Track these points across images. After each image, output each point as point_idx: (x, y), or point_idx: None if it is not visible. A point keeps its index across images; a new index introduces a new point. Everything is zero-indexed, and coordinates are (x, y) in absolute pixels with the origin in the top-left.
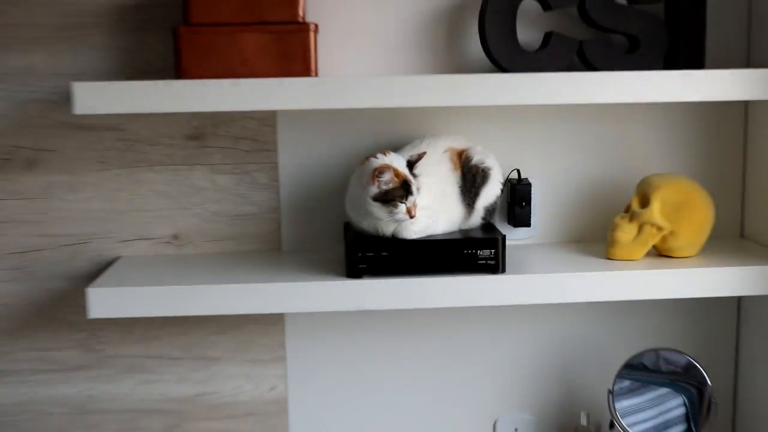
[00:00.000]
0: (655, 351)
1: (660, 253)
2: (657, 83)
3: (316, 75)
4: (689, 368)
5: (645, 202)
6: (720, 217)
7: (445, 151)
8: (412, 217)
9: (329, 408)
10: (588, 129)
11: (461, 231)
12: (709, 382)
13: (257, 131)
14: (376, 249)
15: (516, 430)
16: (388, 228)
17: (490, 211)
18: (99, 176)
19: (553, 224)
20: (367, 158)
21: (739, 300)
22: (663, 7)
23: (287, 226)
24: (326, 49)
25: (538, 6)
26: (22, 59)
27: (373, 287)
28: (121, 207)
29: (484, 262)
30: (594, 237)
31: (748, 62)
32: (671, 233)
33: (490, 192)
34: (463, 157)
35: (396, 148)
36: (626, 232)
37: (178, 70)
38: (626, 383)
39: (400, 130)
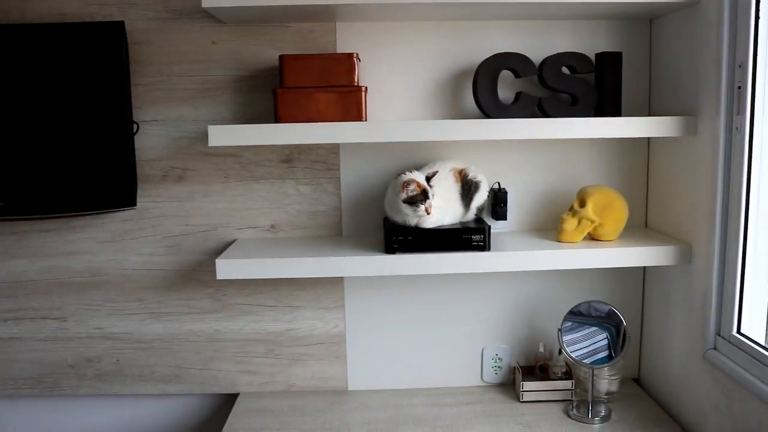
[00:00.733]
0: (588, 302)
1: (592, 237)
2: (590, 125)
3: (366, 120)
4: (611, 314)
5: (582, 204)
6: (632, 213)
7: (450, 170)
8: (428, 213)
9: (372, 339)
10: (545, 155)
11: (461, 223)
12: (624, 322)
13: (327, 157)
14: (405, 234)
15: (496, 354)
16: (412, 220)
17: (480, 209)
18: (223, 186)
19: (521, 218)
20: (398, 174)
21: (644, 269)
22: (594, 76)
23: (346, 219)
24: (373, 103)
25: (511, 74)
26: (176, 111)
27: (402, 259)
28: (237, 206)
29: (476, 243)
30: (549, 227)
31: (649, 111)
32: (600, 224)
33: (480, 197)
34: (462, 173)
35: (418, 167)
36: (570, 223)
37: (276, 117)
38: (569, 324)
39: (421, 155)
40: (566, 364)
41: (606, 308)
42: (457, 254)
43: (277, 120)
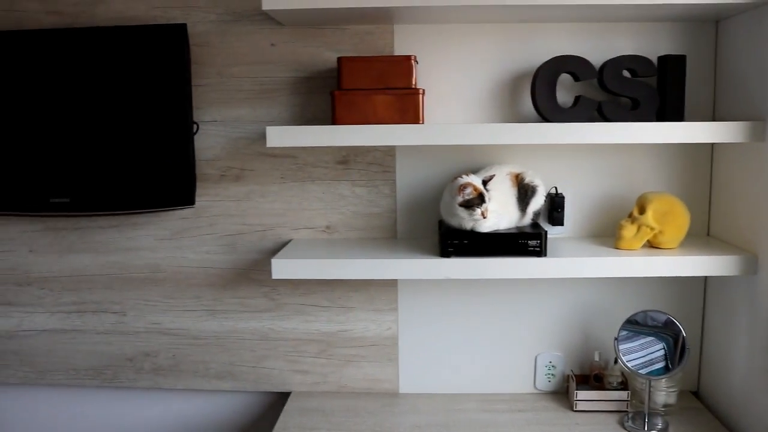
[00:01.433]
0: (645, 312)
1: (652, 245)
2: (651, 130)
3: (423, 122)
4: (668, 324)
5: (642, 210)
6: (693, 221)
7: (507, 174)
8: (484, 217)
9: (424, 342)
10: (604, 160)
11: (517, 228)
12: (684, 333)
13: (383, 159)
14: (460, 238)
15: (550, 362)
16: (468, 224)
17: (537, 214)
18: (280, 187)
19: (579, 224)
20: (455, 178)
21: (705, 278)
22: (656, 79)
23: (401, 221)
24: (430, 106)
25: (570, 78)
26: (234, 112)
27: (457, 264)
28: (293, 207)
29: (532, 249)
30: (607, 233)
31: (713, 116)
32: (660, 232)
33: (537, 202)
34: (519, 178)
35: (474, 171)
36: (629, 230)
37: (333, 118)
38: (625, 333)
39: (477, 159)
40: (622, 374)
41: (664, 318)
42: (513, 259)
43: (334, 122)
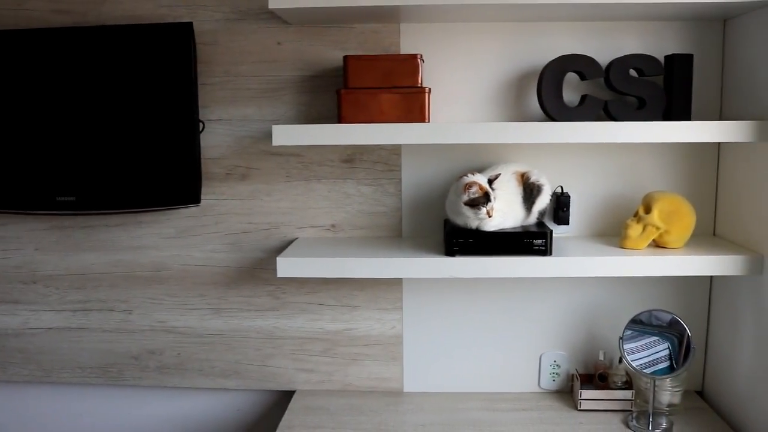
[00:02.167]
0: (650, 311)
1: (657, 245)
2: (658, 130)
3: (429, 121)
4: (673, 323)
5: (648, 210)
6: (699, 220)
7: (513, 173)
8: (490, 216)
9: (429, 341)
10: (610, 159)
11: (522, 227)
12: (689, 332)
13: (388, 157)
14: (465, 237)
15: (555, 361)
16: (473, 223)
17: (542, 213)
18: (286, 185)
19: (584, 223)
20: (461, 176)
21: (711, 278)
22: (662, 79)
23: (406, 220)
24: (436, 104)
25: (577, 77)
26: (241, 110)
27: (462, 262)
28: (299, 205)
29: (537, 248)
30: (612, 232)
31: (720, 116)
32: (666, 231)
33: (543, 201)
34: (525, 177)
35: (480, 170)
36: (634, 229)
37: (339, 117)
38: (629, 332)
39: (483, 158)
40: (626, 373)
41: (669, 317)
42: (518, 258)
43: (340, 120)
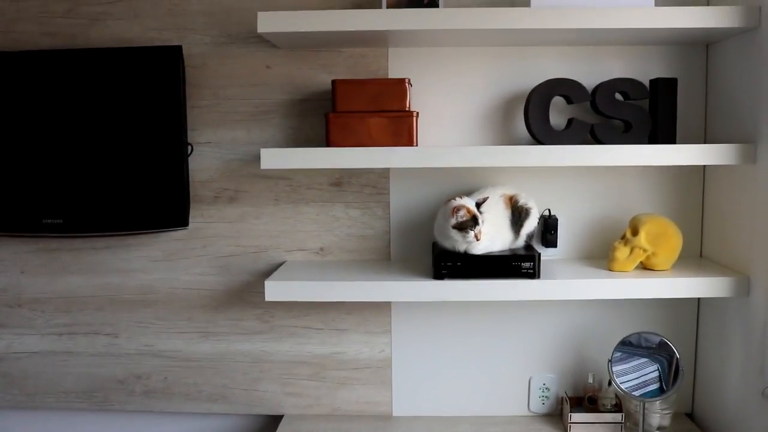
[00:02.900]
0: (639, 333)
1: (645, 267)
2: (644, 153)
3: (417, 145)
4: (662, 345)
5: (635, 232)
6: (686, 242)
7: (501, 196)
8: (478, 239)
9: (418, 365)
10: (597, 182)
11: (510, 250)
12: (677, 354)
13: (377, 181)
14: (454, 260)
15: (544, 384)
16: (461, 246)
17: (530, 236)
18: (274, 208)
19: (572, 246)
20: (449, 200)
21: (699, 300)
22: (648, 102)
23: (394, 243)
24: (424, 128)
25: (563, 101)
26: (229, 133)
27: (451, 286)
28: (287, 228)
29: (525, 270)
30: (600, 255)
31: (705, 138)
32: (653, 253)
33: (531, 224)
34: (513, 200)
35: (468, 193)
36: (622, 252)
37: (327, 141)
38: (619, 354)
39: (471, 181)
40: (616, 396)
41: (658, 339)
42: (507, 281)
43: (328, 144)
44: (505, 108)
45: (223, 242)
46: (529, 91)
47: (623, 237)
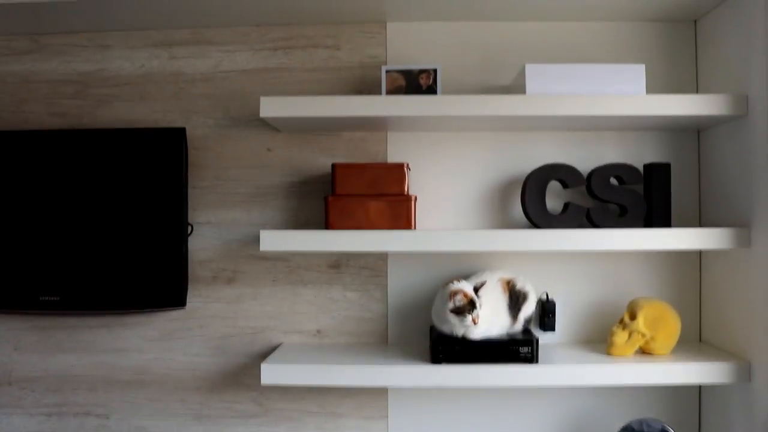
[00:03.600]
0: (640, 420)
1: (644, 351)
2: (639, 237)
3: (415, 228)
4: (664, 430)
5: (633, 316)
6: (685, 327)
7: (498, 280)
8: (475, 324)
9: None
10: (594, 266)
11: (508, 334)
12: None
13: (375, 264)
14: (451, 345)
15: None
16: (459, 331)
17: (528, 321)
18: (272, 290)
19: (570, 330)
20: (446, 284)
21: (699, 386)
22: (642, 187)
23: (392, 326)
24: (422, 211)
25: (559, 185)
26: (229, 214)
27: (448, 370)
28: (284, 310)
29: (524, 355)
30: (598, 339)
31: (700, 222)
32: (652, 338)
33: (528, 308)
34: (510, 284)
35: (466, 276)
36: (620, 336)
37: (326, 223)
38: None
39: (468, 264)
40: None
41: (659, 426)
42: (505, 366)
43: (327, 226)
44: (502, 192)
45: (219, 323)
46: (526, 175)
47: (621, 321)
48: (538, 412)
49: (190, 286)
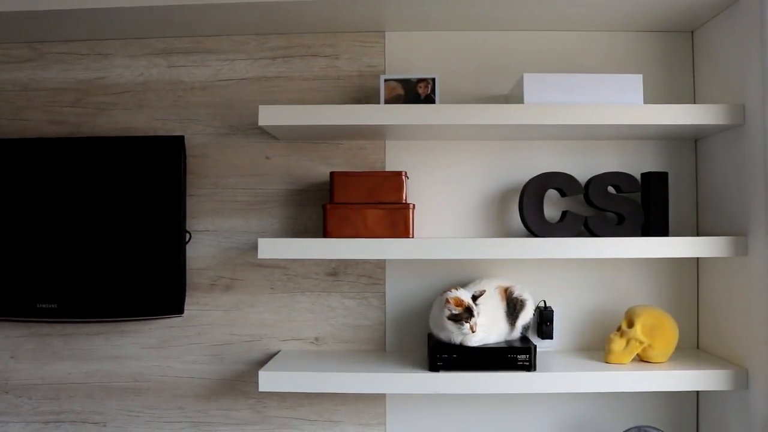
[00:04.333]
0: (638, 427)
1: (641, 359)
2: (637, 245)
3: (413, 236)
4: None
5: (631, 324)
6: (682, 334)
7: (496, 288)
8: (473, 331)
9: None
10: (592, 274)
11: (506, 341)
12: None
13: (373, 271)
14: (449, 352)
15: None
16: (457, 338)
17: (526, 328)
18: (270, 297)
19: (568, 337)
20: (444, 292)
21: (697, 393)
22: (640, 195)
23: (390, 334)
24: (420, 219)
25: (557, 193)
26: (227, 222)
27: (446, 378)
28: (282, 318)
29: (521, 363)
30: (596, 346)
31: (697, 231)
32: (649, 345)
33: (526, 315)
34: (508, 292)
35: (463, 284)
36: (618, 344)
37: (324, 231)
38: None
39: (466, 272)
40: None
41: None
42: (502, 374)
43: (325, 234)
44: (500, 200)
45: (217, 330)
46: (524, 184)
47: (619, 329)
48: (536, 419)
49: (187, 294)
